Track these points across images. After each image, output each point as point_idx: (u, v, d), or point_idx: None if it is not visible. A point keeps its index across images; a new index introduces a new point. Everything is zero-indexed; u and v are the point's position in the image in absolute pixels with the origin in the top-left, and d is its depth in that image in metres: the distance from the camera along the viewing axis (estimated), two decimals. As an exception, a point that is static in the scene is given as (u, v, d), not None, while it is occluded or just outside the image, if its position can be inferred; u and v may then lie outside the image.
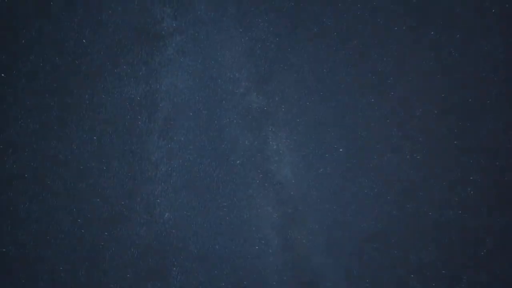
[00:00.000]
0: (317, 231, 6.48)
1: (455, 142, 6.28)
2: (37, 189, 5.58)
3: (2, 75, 4.98)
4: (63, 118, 5.68)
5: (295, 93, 6.17)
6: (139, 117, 5.69)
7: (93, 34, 5.53)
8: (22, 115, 5.61)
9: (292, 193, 6.23)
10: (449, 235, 6.14)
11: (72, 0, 5.58)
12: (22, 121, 5.59)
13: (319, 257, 6.45)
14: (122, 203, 5.73)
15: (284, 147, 6.24)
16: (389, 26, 6.33)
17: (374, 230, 6.37)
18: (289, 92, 6.15)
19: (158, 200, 5.90)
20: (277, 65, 6.02)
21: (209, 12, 5.66)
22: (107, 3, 5.50)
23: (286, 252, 6.43)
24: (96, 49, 5.59)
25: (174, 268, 5.95)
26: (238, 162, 6.06)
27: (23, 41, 5.23)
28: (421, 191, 6.25)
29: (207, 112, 5.93)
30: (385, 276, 6.21)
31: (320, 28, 6.07)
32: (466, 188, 6.23)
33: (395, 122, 6.58)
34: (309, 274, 6.28)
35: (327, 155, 6.24)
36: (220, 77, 5.85)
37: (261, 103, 6.10)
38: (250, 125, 6.14)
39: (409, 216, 6.41)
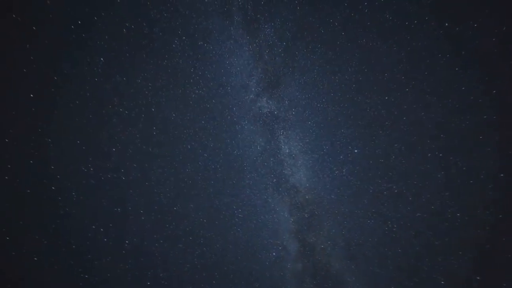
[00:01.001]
0: (337, 236, 5.74)
1: (476, 140, 5.30)
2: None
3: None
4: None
5: (305, 96, 5.61)
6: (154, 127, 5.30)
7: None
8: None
9: (307, 197, 5.55)
10: (477, 238, 5.07)
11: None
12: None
13: (340, 263, 5.67)
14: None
15: (296, 151, 5.67)
16: (399, 22, 5.57)
17: (397, 234, 5.47)
18: (299, 95, 5.61)
19: (175, 208, 5.46)
20: (285, 69, 5.52)
21: (216, 21, 5.29)
22: None
23: (305, 258, 5.74)
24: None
25: (188, 274, 5.41)
26: (251, 167, 5.52)
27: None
28: (447, 190, 5.28)
29: (219, 119, 5.50)
30: (411, 283, 5.24)
31: (327, 29, 5.49)
32: (491, 187, 5.17)
33: (413, 120, 5.75)
34: (331, 281, 5.52)
35: (341, 157, 5.55)
36: (229, 84, 5.45)
37: (272, 107, 5.63)
38: (261, 130, 5.66)
39: (435, 217, 5.46)
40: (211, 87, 5.44)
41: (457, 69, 5.47)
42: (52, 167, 5.40)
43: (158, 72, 5.47)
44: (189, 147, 5.49)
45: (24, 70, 4.94)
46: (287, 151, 5.42)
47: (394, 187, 5.44)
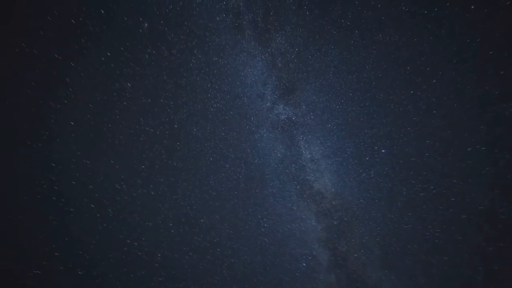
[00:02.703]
0: (370, 243, 4.52)
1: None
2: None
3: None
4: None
5: (322, 99, 4.70)
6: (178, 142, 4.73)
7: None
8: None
9: (334, 203, 4.48)
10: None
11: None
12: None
13: (377, 273, 4.42)
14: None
15: (318, 155, 4.69)
16: (417, 12, 4.49)
17: (440, 239, 4.12)
18: (316, 98, 4.71)
19: (201, 220, 4.70)
20: (299, 74, 4.67)
21: (228, 37, 4.68)
22: None
23: (337, 269, 4.58)
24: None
25: (218, 287, 4.53)
26: (273, 175, 4.62)
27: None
28: (496, 188, 3.85)
29: (237, 130, 4.74)
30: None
31: (340, 30, 4.59)
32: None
33: (445, 113, 4.50)
34: (367, 292, 4.31)
35: (367, 158, 4.45)
36: (245, 95, 4.74)
37: (289, 113, 4.81)
38: (280, 137, 4.83)
39: (484, 218, 4.04)
40: (228, 100, 4.77)
41: (491, 52, 4.14)
42: (91, 187, 4.99)
43: (178, 91, 4.97)
44: (211, 159, 4.78)
45: (66, 102, 4.67)
46: (309, 156, 4.47)
47: (432, 187, 4.14)
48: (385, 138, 4.73)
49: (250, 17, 5.30)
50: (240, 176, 5.20)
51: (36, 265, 5.39)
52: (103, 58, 5.15)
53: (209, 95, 5.43)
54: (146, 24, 5.17)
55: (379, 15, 4.91)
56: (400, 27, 4.84)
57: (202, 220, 5.23)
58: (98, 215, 5.41)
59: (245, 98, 5.24)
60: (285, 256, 4.86)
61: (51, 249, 5.31)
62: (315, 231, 4.78)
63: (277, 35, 5.16)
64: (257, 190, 5.08)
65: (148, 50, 5.27)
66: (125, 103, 5.36)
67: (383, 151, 4.62)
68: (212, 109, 5.41)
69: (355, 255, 4.55)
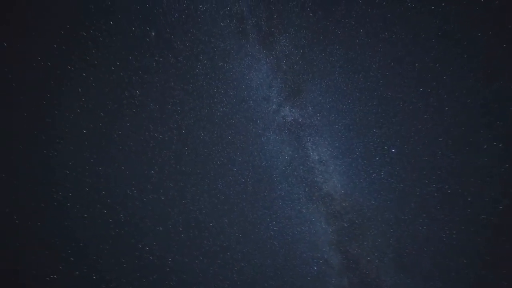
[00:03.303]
0: (384, 246, 4.15)
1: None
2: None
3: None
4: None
5: (329, 99, 4.42)
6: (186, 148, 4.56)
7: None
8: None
9: (344, 204, 4.15)
10: None
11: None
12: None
13: (392, 277, 4.04)
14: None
15: (326, 156, 4.40)
16: (423, 8, 4.15)
17: (458, 241, 3.72)
18: (322, 99, 4.43)
19: (211, 224, 4.46)
20: (305, 75, 4.41)
21: (233, 42, 4.50)
22: None
23: (350, 272, 4.22)
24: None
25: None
26: (281, 178, 4.34)
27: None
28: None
29: (244, 133, 4.51)
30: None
31: (344, 29, 4.33)
32: None
33: (458, 109, 4.12)
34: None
35: (377, 158, 4.11)
36: (251, 98, 4.52)
37: (295, 115, 4.56)
38: (287, 139, 4.58)
39: (505, 218, 3.60)
40: (234, 103, 4.57)
41: (504, 45, 3.74)
42: (103, 193, 4.85)
43: (185, 96, 4.81)
44: (218, 163, 4.56)
45: (78, 111, 4.59)
46: (317, 157, 4.18)
47: (446, 187, 3.74)
48: (395, 137, 4.37)
49: (253, 21, 5.11)
50: (248, 179, 4.95)
51: (53, 269, 5.29)
52: (112, 68, 5.07)
53: (215, 99, 5.24)
54: (153, 33, 5.07)
55: (384, 13, 4.60)
56: (406, 24, 4.51)
57: (211, 224, 4.99)
58: (110, 220, 5.27)
59: (251, 102, 5.02)
60: (295, 259, 4.54)
61: (67, 254, 5.21)
62: (325, 234, 4.44)
63: (281, 37, 4.92)
64: (265, 193, 4.81)
65: (156, 58, 5.15)
66: (134, 110, 5.24)
67: (393, 150, 4.26)
68: (218, 114, 5.21)
69: (368, 258, 4.18)
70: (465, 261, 3.81)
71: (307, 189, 4.63)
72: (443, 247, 4.00)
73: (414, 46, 4.59)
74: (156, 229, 5.39)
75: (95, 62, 5.16)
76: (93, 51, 5.09)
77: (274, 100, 5.06)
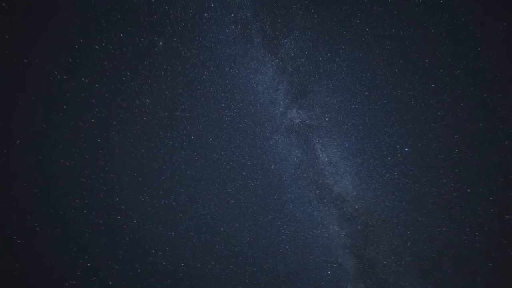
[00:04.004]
0: (401, 249, 3.74)
1: None
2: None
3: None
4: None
5: (336, 99, 4.13)
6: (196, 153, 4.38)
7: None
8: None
9: (357, 206, 3.80)
10: None
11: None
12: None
13: (412, 283, 3.66)
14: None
15: (336, 157, 4.08)
16: (431, 3, 3.81)
17: (481, 243, 3.27)
18: (330, 99, 4.14)
19: (222, 229, 4.24)
20: (311, 77, 4.14)
21: (238, 47, 4.32)
22: None
23: (366, 277, 3.85)
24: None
25: None
26: (290, 181, 4.05)
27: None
28: None
29: (252, 137, 4.29)
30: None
31: (350, 29, 4.05)
32: None
33: (473, 104, 3.72)
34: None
35: (390, 158, 3.76)
36: (258, 102, 4.30)
37: (303, 117, 4.30)
38: (296, 141, 4.32)
39: None
40: (241, 108, 4.37)
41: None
42: (117, 199, 4.72)
43: (193, 103, 4.65)
44: (228, 167, 4.34)
45: (93, 121, 4.52)
46: (326, 159, 3.86)
47: (466, 186, 3.30)
48: (407, 136, 3.99)
49: (258, 25, 4.92)
50: (258, 183, 4.68)
51: (71, 275, 5.18)
52: (123, 78, 4.99)
53: (222, 104, 5.05)
54: (161, 43, 4.96)
55: (391, 10, 4.27)
56: (414, 20, 4.16)
57: (222, 229, 4.75)
58: (124, 226, 5.13)
59: (258, 105, 4.79)
60: (309, 264, 4.19)
61: (84, 260, 5.09)
62: (338, 237, 4.08)
63: (285, 40, 4.69)
64: (275, 197, 4.52)
65: (164, 67, 5.04)
66: (145, 118, 5.12)
67: (406, 149, 3.88)
68: (226, 118, 5.01)
69: (385, 262, 3.78)
70: (490, 264, 3.35)
71: (318, 191, 4.30)
72: (466, 249, 3.56)
73: (424, 42, 4.23)
74: (168, 234, 5.20)
75: (108, 74, 5.11)
76: (105, 63, 5.03)
77: (281, 102, 4.82)
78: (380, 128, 4.19)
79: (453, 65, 4.01)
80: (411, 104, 4.17)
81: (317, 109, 4.54)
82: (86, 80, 5.05)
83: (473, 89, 3.93)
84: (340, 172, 4.25)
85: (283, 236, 4.41)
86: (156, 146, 5.23)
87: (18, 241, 4.92)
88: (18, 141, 4.66)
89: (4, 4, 3.95)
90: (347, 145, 4.24)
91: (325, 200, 4.27)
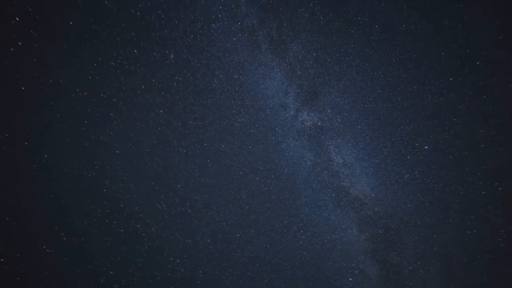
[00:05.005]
0: (427, 254, 3.27)
1: None
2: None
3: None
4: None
5: (348, 100, 3.80)
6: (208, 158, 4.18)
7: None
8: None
9: (376, 209, 3.39)
10: None
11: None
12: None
13: None
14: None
15: (351, 159, 3.71)
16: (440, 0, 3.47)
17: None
18: (341, 100, 3.82)
19: (237, 235, 3.95)
20: (320, 78, 3.84)
21: (246, 54, 4.15)
22: None
23: (391, 284, 3.41)
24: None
25: None
26: (304, 184, 3.73)
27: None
28: None
29: (264, 142, 4.03)
30: None
31: (358, 28, 3.74)
32: None
33: (498, 96, 3.23)
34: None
35: (409, 157, 3.35)
36: (268, 107, 4.06)
37: (314, 119, 4.01)
38: (308, 144, 4.02)
39: None
40: (251, 113, 4.14)
41: None
42: (136, 208, 4.57)
43: (205, 111, 4.50)
44: (241, 173, 4.09)
45: (111, 133, 4.48)
46: (341, 161, 3.51)
47: (496, 183, 2.80)
48: (426, 133, 3.55)
49: (264, 32, 4.71)
50: (271, 188, 4.38)
51: (96, 284, 5.07)
52: (138, 91, 4.92)
53: (233, 111, 4.84)
54: (172, 55, 4.87)
55: (401, 5, 3.91)
56: (426, 13, 3.76)
57: (238, 235, 4.47)
58: (143, 234, 4.97)
59: (268, 110, 4.53)
60: (328, 270, 3.80)
61: (107, 268, 4.96)
62: (358, 242, 3.66)
63: (292, 44, 4.43)
64: (290, 201, 4.19)
65: (175, 78, 4.92)
66: (159, 128, 4.99)
67: (426, 147, 3.44)
68: (237, 125, 4.79)
69: (410, 268, 3.33)
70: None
71: (333, 194, 3.91)
72: (501, 253, 3.03)
73: (438, 35, 3.80)
74: (185, 242, 4.99)
75: (123, 88, 5.07)
76: (121, 78, 5.00)
77: (292, 106, 4.54)
78: (396, 127, 3.77)
79: (472, 57, 3.54)
80: (429, 100, 3.73)
81: (329, 111, 4.19)
82: (105, 96, 5.03)
83: (496, 80, 3.44)
84: (356, 173, 3.84)
85: (300, 242, 4.04)
86: (170, 155, 5.10)
87: (47, 251, 4.89)
88: (46, 156, 4.68)
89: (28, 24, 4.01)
90: (362, 145, 3.84)
91: (341, 203, 3.87)
